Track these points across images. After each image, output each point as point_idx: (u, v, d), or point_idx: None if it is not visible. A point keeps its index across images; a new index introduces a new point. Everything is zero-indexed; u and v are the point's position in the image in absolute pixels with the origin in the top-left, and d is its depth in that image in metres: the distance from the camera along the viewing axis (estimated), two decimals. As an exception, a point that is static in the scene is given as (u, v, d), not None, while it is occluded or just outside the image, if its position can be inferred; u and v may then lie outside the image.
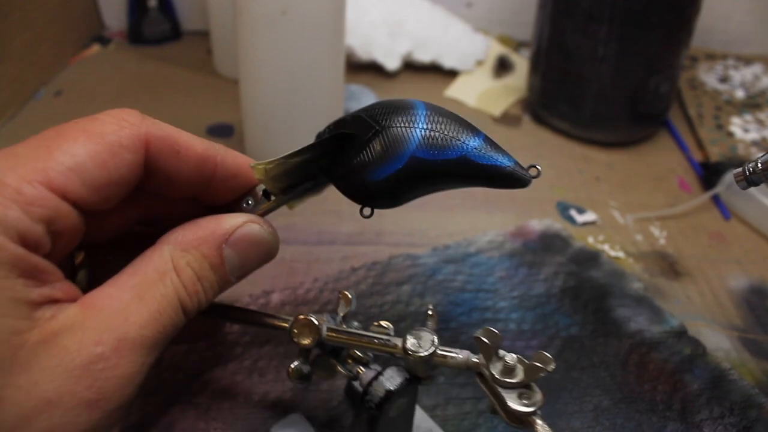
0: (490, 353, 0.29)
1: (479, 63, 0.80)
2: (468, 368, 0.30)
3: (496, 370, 0.29)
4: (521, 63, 0.80)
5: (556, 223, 0.53)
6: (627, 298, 0.46)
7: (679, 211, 0.58)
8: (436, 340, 0.31)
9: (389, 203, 0.30)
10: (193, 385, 0.40)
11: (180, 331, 0.28)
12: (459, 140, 0.29)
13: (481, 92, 0.75)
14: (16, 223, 0.23)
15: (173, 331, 0.26)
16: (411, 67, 0.78)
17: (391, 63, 0.75)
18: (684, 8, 0.61)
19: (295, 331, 0.32)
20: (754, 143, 0.68)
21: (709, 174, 0.62)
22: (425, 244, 0.51)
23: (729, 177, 0.58)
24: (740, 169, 0.39)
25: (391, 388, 0.31)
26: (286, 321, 0.33)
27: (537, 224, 0.53)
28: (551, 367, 0.28)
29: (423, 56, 0.77)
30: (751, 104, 0.74)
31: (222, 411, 0.39)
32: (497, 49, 0.82)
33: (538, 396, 0.28)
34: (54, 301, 0.24)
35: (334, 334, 0.32)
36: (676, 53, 0.63)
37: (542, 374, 0.28)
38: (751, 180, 0.38)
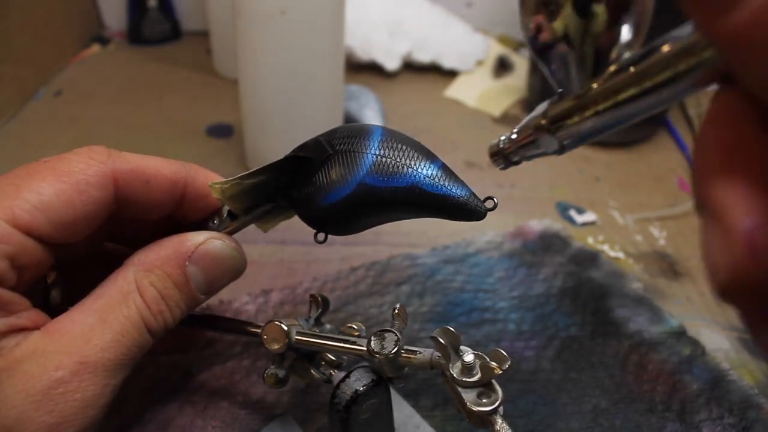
0: (447, 353, 0.29)
1: (479, 63, 0.79)
2: (432, 367, 0.30)
3: (456, 370, 0.29)
4: (521, 63, 0.79)
5: (555, 224, 0.53)
6: (626, 299, 0.46)
7: (678, 212, 0.57)
8: (400, 339, 0.30)
9: (340, 229, 0.30)
10: (190, 384, 0.40)
11: (165, 341, 0.29)
12: (411, 167, 0.28)
13: (481, 92, 0.75)
14: None
15: (138, 352, 0.27)
16: (411, 67, 0.78)
17: (391, 63, 0.75)
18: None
19: (266, 336, 0.33)
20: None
21: (709, 174, 0.61)
22: (424, 245, 0.51)
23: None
24: (494, 143, 0.34)
25: (358, 389, 0.31)
26: (258, 327, 0.34)
27: (536, 224, 0.53)
28: (506, 365, 0.28)
29: (423, 56, 0.77)
30: (752, 104, 0.74)
31: (220, 410, 0.38)
32: (497, 49, 0.82)
33: (498, 395, 0.28)
34: (20, 330, 0.25)
35: (303, 338, 0.33)
36: (676, 53, 0.63)
37: (498, 373, 0.28)
38: (508, 158, 0.34)
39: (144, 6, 0.80)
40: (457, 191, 0.28)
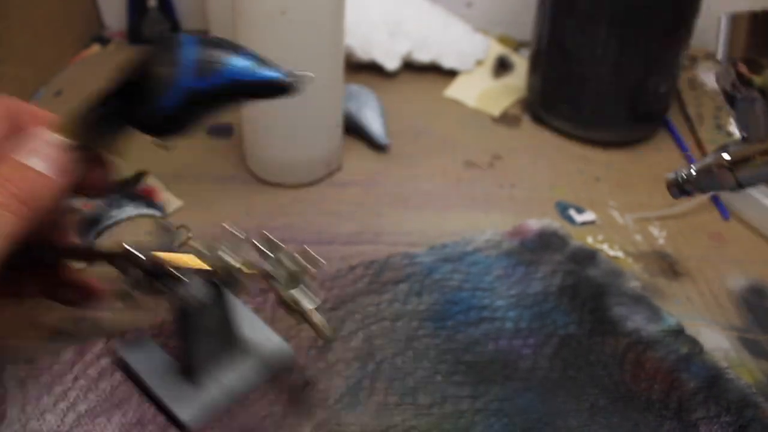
0: (267, 255, 0.34)
1: (479, 63, 0.79)
2: (261, 275, 0.35)
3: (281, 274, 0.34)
4: (521, 63, 0.79)
5: (553, 222, 0.53)
6: (624, 297, 0.46)
7: (678, 211, 0.57)
8: (224, 248, 0.35)
9: (179, 133, 0.33)
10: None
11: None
12: (227, 65, 0.32)
13: (481, 92, 0.75)
14: None
15: None
16: (411, 67, 0.78)
17: (391, 63, 0.75)
18: (684, 8, 0.61)
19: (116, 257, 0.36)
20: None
21: (708, 174, 0.62)
22: (424, 244, 0.51)
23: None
24: (672, 176, 0.39)
25: (197, 296, 0.35)
26: (110, 250, 0.37)
27: (535, 223, 0.53)
28: (320, 265, 0.34)
29: (423, 56, 0.77)
30: (751, 104, 0.74)
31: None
32: (497, 49, 0.82)
33: (314, 294, 0.34)
34: None
35: (147, 256, 0.36)
36: (675, 53, 0.63)
37: (312, 271, 0.34)
38: (683, 189, 0.38)
39: (144, 6, 0.80)
40: (272, 74, 0.33)
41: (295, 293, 0.34)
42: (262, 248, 0.34)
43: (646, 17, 0.59)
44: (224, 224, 0.36)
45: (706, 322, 0.47)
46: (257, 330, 0.42)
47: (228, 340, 0.40)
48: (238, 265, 0.35)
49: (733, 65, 0.35)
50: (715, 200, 0.59)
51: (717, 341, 0.45)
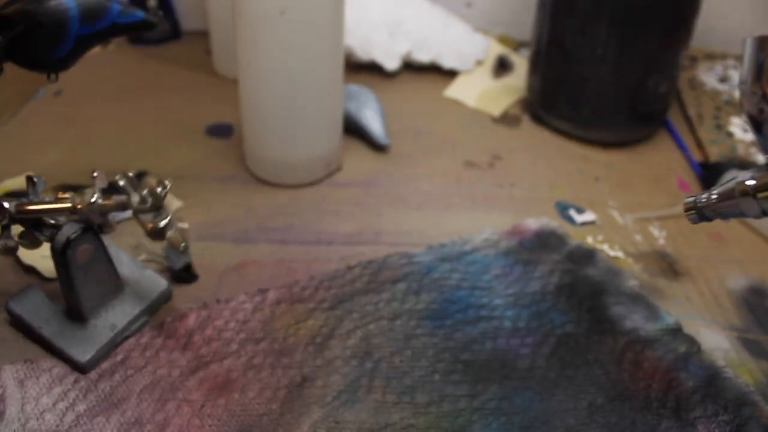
0: (129, 191, 0.39)
1: (479, 63, 0.80)
2: (124, 207, 0.39)
3: (134, 200, 0.39)
4: (521, 63, 0.79)
5: (552, 221, 0.53)
6: (622, 296, 0.46)
7: (678, 211, 0.57)
8: (96, 195, 0.38)
9: (68, 66, 0.42)
10: (188, 382, 0.40)
11: None
12: (106, 10, 0.41)
13: (481, 92, 0.75)
14: None
15: None
16: (410, 67, 0.78)
17: (391, 63, 0.75)
18: (684, 8, 0.61)
19: None
20: (754, 143, 0.67)
21: (708, 174, 0.61)
22: (424, 244, 0.51)
23: (729, 177, 0.57)
24: (691, 200, 0.38)
25: (69, 236, 0.39)
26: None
27: (533, 222, 0.53)
28: (167, 185, 0.39)
29: (422, 56, 0.77)
30: (752, 104, 0.74)
31: (217, 408, 0.39)
32: (497, 49, 0.82)
33: (168, 212, 0.39)
34: None
35: (21, 209, 0.39)
36: (675, 53, 0.63)
37: (161, 192, 0.38)
38: (702, 214, 0.37)
39: (144, 6, 0.80)
40: (138, 15, 0.43)
41: (152, 218, 0.39)
42: (127, 186, 0.39)
43: (646, 17, 0.59)
44: (93, 173, 0.40)
45: (706, 322, 0.47)
46: (134, 269, 0.46)
47: (108, 280, 0.43)
48: (99, 200, 0.39)
49: (760, 89, 0.34)
50: (715, 200, 0.59)
51: (717, 341, 0.45)
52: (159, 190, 0.39)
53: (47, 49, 0.39)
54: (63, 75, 0.74)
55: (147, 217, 0.39)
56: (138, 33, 0.40)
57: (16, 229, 0.41)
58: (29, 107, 0.68)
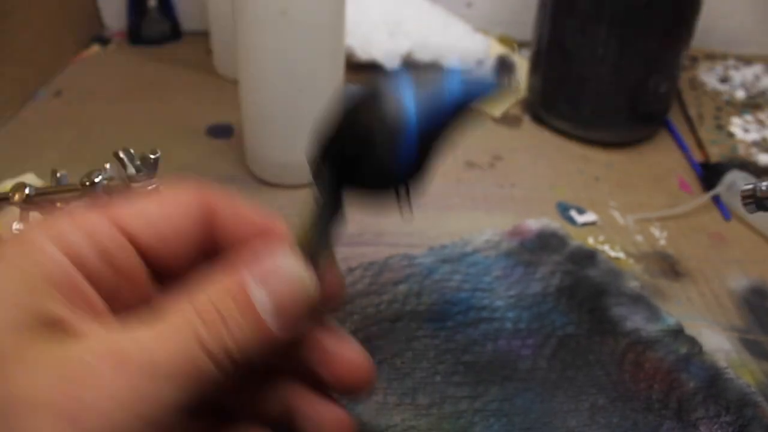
0: (125, 165, 0.41)
1: (479, 63, 0.79)
2: (131, 181, 0.41)
3: (130, 172, 0.41)
4: (521, 63, 0.79)
5: (553, 222, 0.53)
6: (623, 297, 0.46)
7: (679, 212, 0.57)
8: (102, 175, 0.41)
9: (421, 177, 0.30)
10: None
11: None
12: (447, 96, 0.29)
13: (481, 92, 0.75)
14: (73, 240, 0.24)
15: (191, 371, 0.23)
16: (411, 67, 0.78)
17: (391, 63, 0.75)
18: (684, 8, 0.61)
19: (10, 192, 0.42)
20: (755, 144, 0.67)
21: (709, 174, 0.61)
22: (424, 245, 0.51)
23: (729, 178, 0.58)
24: (749, 187, 0.35)
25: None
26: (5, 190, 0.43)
27: (534, 223, 0.53)
28: (157, 154, 0.41)
29: (423, 56, 0.77)
30: (752, 104, 0.74)
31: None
32: (497, 49, 0.82)
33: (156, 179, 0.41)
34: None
35: (37, 192, 0.42)
36: (676, 53, 0.63)
37: (151, 157, 0.41)
38: (761, 203, 0.35)
39: (144, 6, 0.80)
40: (487, 87, 0.30)
41: (144, 185, 0.41)
42: (126, 161, 0.41)
43: (646, 17, 0.59)
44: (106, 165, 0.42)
45: (707, 322, 0.47)
46: None
47: None
48: (104, 181, 0.41)
49: None
50: (716, 200, 0.59)
51: (718, 342, 0.45)
52: (151, 157, 0.41)
53: (385, 161, 0.28)
54: (63, 75, 0.74)
55: (139, 185, 0.41)
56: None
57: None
58: (29, 107, 0.68)
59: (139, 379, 0.21)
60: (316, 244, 0.28)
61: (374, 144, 0.28)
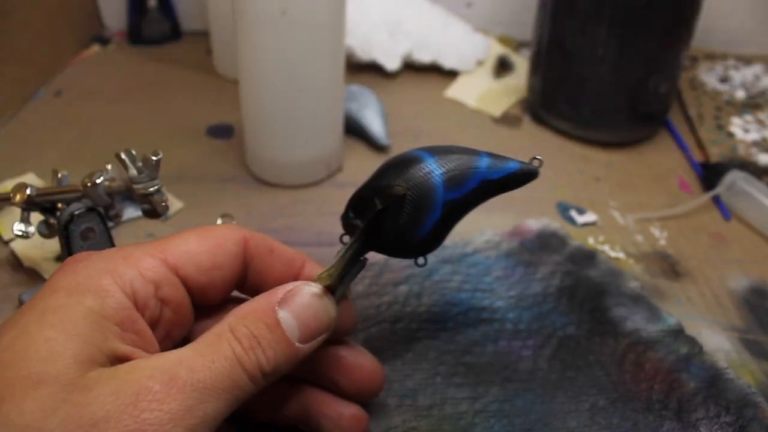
0: (126, 166, 0.40)
1: (479, 63, 0.80)
2: (127, 188, 0.41)
3: (131, 173, 0.40)
4: (521, 63, 0.79)
5: (553, 222, 0.53)
6: (623, 297, 0.46)
7: (679, 212, 0.57)
8: (103, 176, 0.41)
9: (436, 246, 0.34)
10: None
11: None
12: (472, 168, 0.33)
13: (482, 93, 0.75)
14: (131, 280, 0.29)
15: (232, 386, 0.27)
16: (411, 67, 0.78)
17: (391, 63, 0.75)
18: (684, 8, 0.61)
19: (11, 193, 0.42)
20: (755, 144, 0.67)
21: (709, 174, 0.61)
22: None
23: (729, 178, 0.58)
24: None
25: (73, 212, 0.41)
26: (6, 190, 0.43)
27: (534, 223, 0.53)
28: (159, 155, 0.40)
29: (423, 56, 0.77)
30: (752, 104, 0.74)
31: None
32: (497, 49, 0.82)
33: (157, 180, 0.41)
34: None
35: (38, 193, 0.42)
36: (676, 53, 0.63)
37: (153, 158, 0.40)
38: None
39: (144, 6, 0.80)
40: (512, 166, 0.34)
41: (146, 186, 0.40)
42: (128, 162, 0.40)
43: (646, 17, 0.59)
44: (107, 165, 0.43)
45: (708, 322, 0.47)
46: None
47: None
48: (106, 182, 0.42)
49: None
50: (716, 200, 0.59)
51: (718, 342, 0.45)
52: (153, 159, 0.40)
53: (412, 224, 0.32)
54: (63, 75, 0.74)
55: (140, 186, 0.40)
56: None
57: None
58: (29, 107, 0.68)
59: (188, 395, 0.25)
60: (337, 279, 0.31)
61: (402, 208, 0.31)
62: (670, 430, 0.38)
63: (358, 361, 0.35)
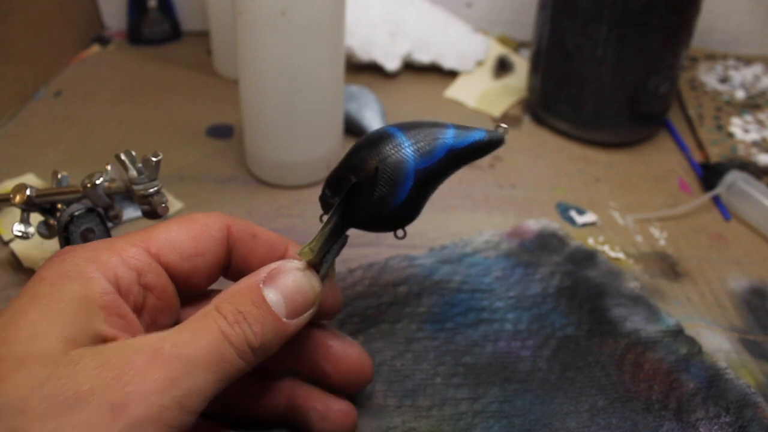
0: (126, 167, 0.40)
1: (479, 63, 0.80)
2: (126, 190, 0.41)
3: (132, 175, 0.40)
4: (521, 63, 0.79)
5: (552, 223, 0.53)
6: (623, 298, 0.46)
7: (679, 212, 0.57)
8: (103, 177, 0.41)
9: (413, 217, 0.35)
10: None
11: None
12: (440, 138, 0.34)
13: (481, 93, 0.75)
14: (115, 267, 0.29)
15: (218, 360, 0.27)
16: (411, 67, 0.78)
17: (391, 63, 0.75)
18: (684, 8, 0.61)
19: (11, 194, 0.42)
20: (755, 144, 0.67)
21: (709, 175, 0.61)
22: (424, 246, 0.51)
23: (729, 178, 0.58)
24: None
25: (73, 213, 0.41)
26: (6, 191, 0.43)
27: (534, 224, 0.53)
28: (159, 156, 0.40)
29: (423, 57, 0.77)
30: (752, 105, 0.74)
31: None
32: (497, 49, 0.82)
33: (157, 182, 0.40)
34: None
35: (38, 193, 0.42)
36: (676, 53, 0.63)
37: (153, 159, 0.40)
38: None
39: (144, 6, 0.80)
40: (477, 134, 0.36)
41: (146, 187, 0.40)
42: (128, 164, 0.40)
43: (646, 17, 0.59)
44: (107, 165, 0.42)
45: (707, 323, 0.47)
46: None
47: None
48: (105, 183, 0.42)
49: None
50: (716, 201, 0.59)
51: (718, 342, 0.45)
52: (153, 160, 0.40)
53: (386, 195, 0.33)
54: (63, 75, 0.74)
55: (140, 187, 0.40)
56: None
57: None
58: (29, 107, 0.68)
59: (172, 367, 0.26)
60: (319, 254, 0.32)
61: (376, 181, 0.33)
62: (670, 431, 0.38)
63: (346, 352, 0.36)
